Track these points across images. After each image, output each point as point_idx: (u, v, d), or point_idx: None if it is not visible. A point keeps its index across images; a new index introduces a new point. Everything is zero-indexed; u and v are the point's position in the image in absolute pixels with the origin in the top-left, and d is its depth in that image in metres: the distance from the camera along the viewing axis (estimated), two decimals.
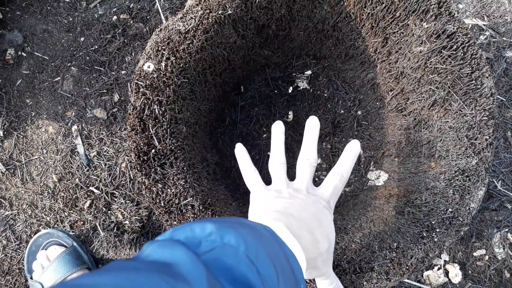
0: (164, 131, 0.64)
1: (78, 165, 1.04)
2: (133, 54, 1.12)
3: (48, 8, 1.14)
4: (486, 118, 0.71)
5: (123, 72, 1.10)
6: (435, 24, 0.74)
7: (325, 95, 0.97)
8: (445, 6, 0.75)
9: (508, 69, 1.22)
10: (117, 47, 1.11)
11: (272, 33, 0.84)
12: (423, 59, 0.77)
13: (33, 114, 1.06)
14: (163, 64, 0.65)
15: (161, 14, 1.15)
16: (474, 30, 1.25)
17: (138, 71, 0.65)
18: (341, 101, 0.96)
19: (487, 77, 0.73)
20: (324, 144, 0.94)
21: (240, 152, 0.63)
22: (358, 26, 0.83)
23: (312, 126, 0.62)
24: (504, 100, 1.19)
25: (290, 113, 0.96)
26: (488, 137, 0.69)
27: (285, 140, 0.96)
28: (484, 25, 1.25)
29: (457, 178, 0.67)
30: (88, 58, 1.10)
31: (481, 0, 1.27)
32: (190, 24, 0.67)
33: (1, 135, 1.04)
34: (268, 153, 0.95)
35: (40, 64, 1.10)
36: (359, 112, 0.95)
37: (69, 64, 1.10)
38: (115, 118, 1.06)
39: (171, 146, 0.63)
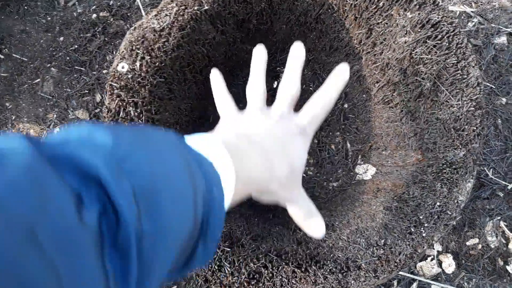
0: None
1: None
2: (114, 53, 1.09)
3: (25, 7, 1.11)
4: (473, 108, 0.69)
5: (104, 71, 1.07)
6: (419, 14, 0.72)
7: (310, 88, 0.95)
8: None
9: (497, 56, 1.20)
10: (98, 46, 1.08)
11: (253, 28, 0.82)
12: (408, 50, 0.75)
13: (13, 118, 1.03)
14: (137, 64, 0.63)
15: (142, 11, 1.12)
16: (462, 17, 1.23)
17: (112, 72, 0.63)
18: None
19: (473, 67, 0.71)
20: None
21: (216, 77, 0.56)
22: (341, 17, 0.81)
23: (297, 55, 0.55)
24: (494, 87, 1.17)
25: None
26: (475, 128, 0.68)
27: None
28: (472, 12, 1.23)
29: (445, 171, 0.66)
30: (68, 58, 1.07)
31: None
32: (165, 22, 0.65)
33: None
34: None
35: (18, 66, 1.07)
36: (346, 105, 0.93)
37: (48, 65, 1.07)
38: (97, 118, 1.04)
39: None
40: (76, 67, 1.07)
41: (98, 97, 1.05)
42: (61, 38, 1.09)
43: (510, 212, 1.10)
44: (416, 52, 0.74)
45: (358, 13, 0.78)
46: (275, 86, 0.95)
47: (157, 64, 0.64)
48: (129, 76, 0.62)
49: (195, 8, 0.66)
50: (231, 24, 0.76)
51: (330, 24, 0.84)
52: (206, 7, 0.66)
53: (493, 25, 1.22)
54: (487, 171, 1.10)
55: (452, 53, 0.71)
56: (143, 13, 1.12)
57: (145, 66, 0.63)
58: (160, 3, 1.08)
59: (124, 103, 0.62)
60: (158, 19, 0.65)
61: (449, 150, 0.68)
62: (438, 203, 0.65)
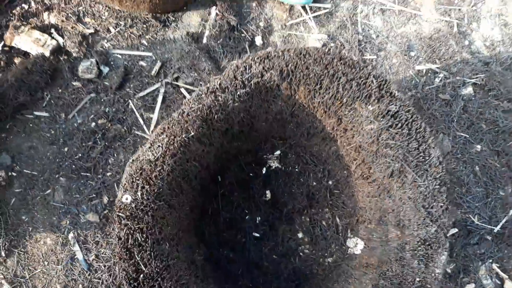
0: (148, 255, 0.70)
1: (80, 271, 1.10)
2: (115, 155, 1.19)
3: (30, 125, 1.22)
4: (438, 186, 0.77)
5: (108, 174, 1.17)
6: (379, 106, 0.82)
7: (296, 170, 1.04)
8: (386, 88, 0.83)
9: (466, 106, 1.30)
10: (100, 152, 1.19)
11: (237, 131, 0.92)
12: (375, 135, 0.84)
13: (30, 229, 1.12)
14: (139, 193, 0.72)
15: (136, 112, 1.23)
16: (429, 74, 1.33)
17: (118, 203, 0.72)
18: (312, 173, 1.03)
19: (433, 148, 0.80)
20: (303, 217, 1.01)
21: None
22: (312, 111, 0.91)
23: None
24: (468, 136, 1.26)
25: (268, 192, 1.03)
26: (442, 204, 0.76)
27: (266, 219, 1.02)
28: (437, 68, 1.34)
29: (420, 248, 0.74)
30: (74, 166, 1.18)
31: (431, 45, 1.36)
32: (158, 152, 0.74)
33: (3, 255, 1.10)
34: (254, 234, 1.01)
35: (30, 181, 1.17)
36: (330, 182, 1.02)
37: (57, 176, 1.17)
38: (107, 219, 1.13)
39: (157, 269, 0.69)
40: (82, 173, 1.17)
41: (105, 199, 1.14)
42: (66, 149, 1.20)
43: (500, 253, 1.16)
44: (382, 137, 0.83)
45: (326, 107, 0.88)
46: (264, 172, 1.04)
47: (155, 190, 0.73)
48: (133, 205, 0.72)
49: (183, 136, 0.76)
50: (217, 136, 0.86)
51: (303, 117, 0.94)
52: (193, 133, 0.77)
53: (458, 77, 1.32)
54: (472, 218, 1.17)
55: (413, 138, 0.80)
56: (137, 115, 1.23)
57: (146, 195, 0.72)
58: (151, 104, 1.19)
59: (132, 231, 0.71)
60: (152, 151, 0.75)
61: (421, 227, 0.76)
62: (417, 279, 0.72)
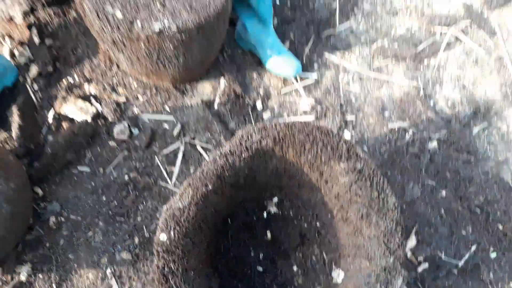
0: (179, 280, 0.96)
1: None
2: (144, 203, 1.46)
3: (75, 178, 1.50)
4: (395, 225, 1.03)
5: (139, 219, 1.44)
6: (348, 164, 1.10)
7: (291, 214, 1.30)
8: (353, 150, 1.11)
9: (433, 158, 1.57)
10: (132, 200, 1.46)
11: (243, 183, 1.19)
12: (348, 186, 1.11)
13: (75, 266, 1.38)
14: (171, 233, 0.99)
15: (161, 167, 1.51)
16: (400, 131, 1.61)
17: (156, 241, 0.99)
18: (303, 217, 1.29)
19: (390, 196, 1.06)
20: (296, 253, 1.26)
21: None
22: (300, 167, 1.18)
23: None
24: (434, 183, 1.52)
25: (268, 232, 1.29)
26: (398, 240, 1.02)
27: (267, 255, 1.27)
28: (407, 125, 1.62)
29: (381, 274, 0.99)
30: (110, 212, 1.44)
31: (401, 106, 1.65)
32: (185, 202, 1.02)
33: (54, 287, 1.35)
34: (258, 267, 1.26)
35: (75, 225, 1.43)
36: (318, 224, 1.28)
37: (97, 220, 1.44)
38: (138, 257, 1.38)
39: None
40: (117, 218, 1.44)
41: (136, 240, 1.40)
42: (104, 198, 1.47)
43: (465, 285, 1.39)
44: (353, 188, 1.10)
45: (310, 164, 1.15)
46: (265, 216, 1.30)
47: (184, 230, 1.00)
48: (168, 242, 0.98)
49: (203, 189, 1.03)
50: (228, 187, 1.13)
51: (294, 172, 1.21)
52: (210, 187, 1.04)
53: (424, 134, 1.60)
54: (440, 254, 1.41)
55: (374, 188, 1.07)
56: (162, 169, 1.50)
57: (177, 234, 0.99)
58: (173, 160, 1.47)
59: (167, 261, 0.96)
60: (181, 201, 1.02)
61: (383, 258, 1.01)
62: None
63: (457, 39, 1.75)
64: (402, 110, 1.64)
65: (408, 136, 1.60)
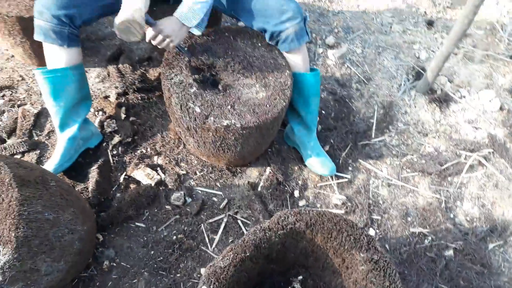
0: None
1: None
2: (185, 262, 1.68)
3: (131, 231, 1.75)
4: None
5: (178, 275, 1.64)
6: (367, 255, 1.29)
7: None
8: (372, 243, 1.31)
9: (448, 264, 1.71)
10: (175, 258, 1.68)
11: (274, 257, 1.40)
12: (365, 274, 1.29)
13: None
14: (211, 287, 1.20)
15: (204, 233, 1.75)
16: (420, 236, 1.79)
17: None
18: None
19: (400, 286, 1.23)
20: None
21: None
22: (326, 251, 1.39)
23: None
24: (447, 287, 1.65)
25: None
26: None
27: None
28: (427, 232, 1.79)
29: None
30: (155, 266, 1.67)
31: (423, 214, 1.84)
32: (226, 263, 1.24)
33: None
34: None
35: (123, 271, 1.66)
36: None
37: (142, 270, 1.66)
38: None
39: None
40: (160, 272, 1.65)
41: None
42: (152, 252, 1.70)
43: None
44: (369, 276, 1.28)
45: (335, 250, 1.36)
46: None
47: (221, 286, 1.21)
48: None
49: (242, 254, 1.25)
50: (261, 258, 1.34)
51: (320, 254, 1.41)
52: (248, 254, 1.26)
53: (442, 241, 1.76)
54: None
55: (387, 278, 1.25)
56: (205, 235, 1.74)
57: None
58: (216, 228, 1.70)
59: None
60: (223, 261, 1.24)
61: None
62: None
63: (480, 163, 1.97)
64: (424, 218, 1.82)
65: (427, 241, 1.76)
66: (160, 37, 1.51)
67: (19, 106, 2.02)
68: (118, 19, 1.37)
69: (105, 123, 1.99)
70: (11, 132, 1.95)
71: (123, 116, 2.02)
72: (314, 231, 1.34)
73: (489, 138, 2.04)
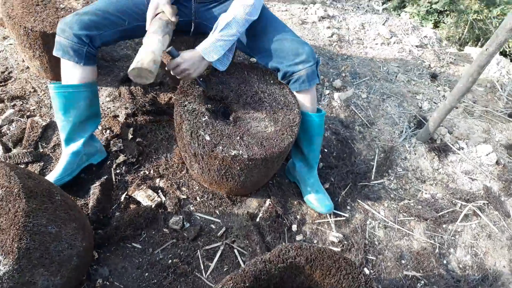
0: None
1: None
2: (178, 287, 1.67)
3: (127, 251, 1.75)
4: None
5: None
6: None
7: None
8: (369, 283, 1.33)
9: None
10: (169, 282, 1.67)
11: None
12: None
13: None
14: None
15: (200, 260, 1.75)
16: (413, 279, 1.80)
17: None
18: None
19: None
20: None
21: None
22: (323, 287, 1.40)
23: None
24: None
25: None
26: None
27: None
28: (420, 275, 1.81)
29: None
30: None
31: (417, 258, 1.86)
32: None
33: None
34: None
35: None
36: None
37: None
38: None
39: None
40: None
41: None
42: (146, 274, 1.70)
43: None
44: None
45: (332, 286, 1.37)
46: None
47: None
48: None
49: (241, 284, 1.26)
50: None
51: None
52: (247, 284, 1.27)
53: (434, 286, 1.78)
54: None
55: None
56: (200, 262, 1.74)
57: None
58: (212, 254, 1.70)
59: None
60: None
61: None
62: None
63: (474, 213, 2.02)
64: (417, 262, 1.85)
65: (419, 285, 1.78)
66: (179, 69, 1.57)
67: (28, 117, 2.05)
68: (131, 66, 1.46)
69: (111, 142, 2.01)
70: (18, 142, 1.96)
71: (130, 136, 2.05)
72: (313, 267, 1.36)
73: (484, 190, 2.10)
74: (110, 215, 1.81)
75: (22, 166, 1.89)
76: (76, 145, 1.80)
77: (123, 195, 1.87)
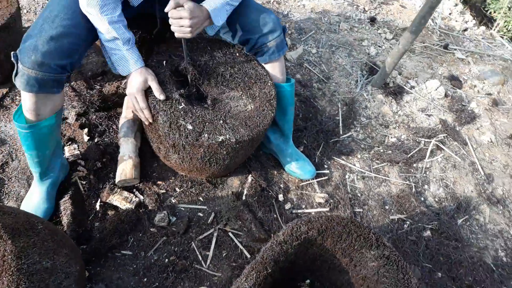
0: None
1: None
2: (182, 284, 1.61)
3: (118, 261, 1.64)
4: None
5: None
6: (377, 252, 1.35)
7: None
8: (380, 240, 1.37)
9: (428, 244, 1.85)
10: (171, 281, 1.61)
11: (286, 267, 1.40)
12: (376, 270, 1.35)
13: None
14: None
15: (196, 251, 1.69)
16: (399, 222, 1.91)
17: None
18: None
19: (412, 277, 1.31)
20: None
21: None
22: (334, 253, 1.42)
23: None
24: (431, 266, 1.79)
25: None
26: None
27: None
28: (404, 217, 1.92)
29: None
30: None
31: (398, 201, 1.96)
32: (251, 282, 1.21)
33: None
34: None
35: None
36: None
37: None
38: None
39: None
40: None
41: None
42: (145, 279, 1.61)
43: None
44: (380, 271, 1.34)
45: (344, 251, 1.40)
46: None
47: None
48: None
49: (264, 272, 1.24)
50: (278, 271, 1.34)
51: (327, 257, 1.44)
52: (269, 270, 1.25)
53: (419, 224, 1.90)
54: None
55: (400, 271, 1.32)
56: (197, 253, 1.68)
57: None
58: (207, 243, 1.65)
59: None
60: (247, 281, 1.22)
61: None
62: None
63: (438, 147, 2.15)
64: (399, 204, 1.95)
65: (406, 226, 1.89)
66: (183, 22, 1.33)
67: None
68: (116, 178, 1.68)
69: (66, 148, 1.82)
70: None
71: (86, 138, 1.86)
72: (325, 237, 1.37)
73: (441, 124, 2.24)
74: (90, 227, 1.67)
75: None
76: (52, 176, 1.64)
77: (98, 203, 1.72)
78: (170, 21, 1.36)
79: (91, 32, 1.40)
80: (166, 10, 1.32)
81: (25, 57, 1.23)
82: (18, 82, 1.27)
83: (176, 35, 1.39)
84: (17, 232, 1.15)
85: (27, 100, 1.33)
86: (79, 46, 1.34)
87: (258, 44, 1.58)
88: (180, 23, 1.34)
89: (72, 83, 2.00)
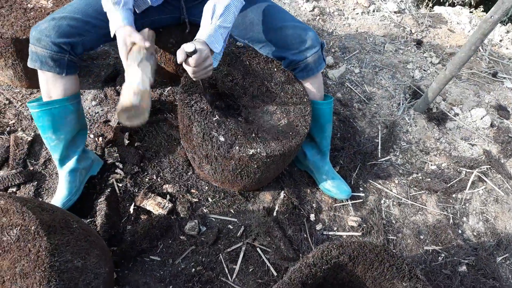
0: None
1: None
2: None
3: (146, 266, 1.66)
4: None
5: None
6: (409, 283, 1.30)
7: None
8: (413, 272, 1.32)
9: (463, 280, 1.76)
10: None
11: None
12: None
13: None
14: None
15: (223, 264, 1.69)
16: (434, 253, 1.83)
17: None
18: None
19: None
20: None
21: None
22: (364, 281, 1.38)
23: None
24: None
25: None
26: None
27: None
28: (439, 249, 1.84)
29: None
30: None
31: (434, 231, 1.89)
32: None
33: None
34: None
35: None
36: None
37: None
38: None
39: None
40: None
41: None
42: (170, 287, 1.62)
43: None
44: None
45: (375, 280, 1.35)
46: None
47: None
48: None
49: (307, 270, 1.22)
50: None
51: (357, 284, 1.40)
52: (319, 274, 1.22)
53: (455, 257, 1.82)
54: None
55: None
56: (224, 266, 1.68)
57: None
58: (235, 256, 1.64)
59: None
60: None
61: None
62: None
63: (480, 179, 2.06)
64: (435, 235, 1.88)
65: (441, 258, 1.81)
66: (206, 64, 1.31)
67: (9, 133, 1.85)
68: (117, 108, 1.23)
69: (106, 150, 1.87)
70: (3, 163, 1.78)
71: (126, 142, 1.91)
72: (356, 263, 1.33)
73: (485, 155, 2.15)
74: (122, 230, 1.70)
75: (14, 189, 1.72)
76: (71, 162, 1.66)
77: (132, 207, 1.75)
78: (195, 70, 1.32)
79: (102, 22, 1.45)
80: (191, 64, 1.29)
81: (31, 34, 1.40)
82: (28, 58, 1.43)
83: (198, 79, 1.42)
84: (53, 229, 1.18)
85: (39, 78, 1.48)
86: (79, 29, 1.43)
87: (296, 60, 1.58)
88: (204, 66, 1.32)
89: (117, 87, 2.06)
